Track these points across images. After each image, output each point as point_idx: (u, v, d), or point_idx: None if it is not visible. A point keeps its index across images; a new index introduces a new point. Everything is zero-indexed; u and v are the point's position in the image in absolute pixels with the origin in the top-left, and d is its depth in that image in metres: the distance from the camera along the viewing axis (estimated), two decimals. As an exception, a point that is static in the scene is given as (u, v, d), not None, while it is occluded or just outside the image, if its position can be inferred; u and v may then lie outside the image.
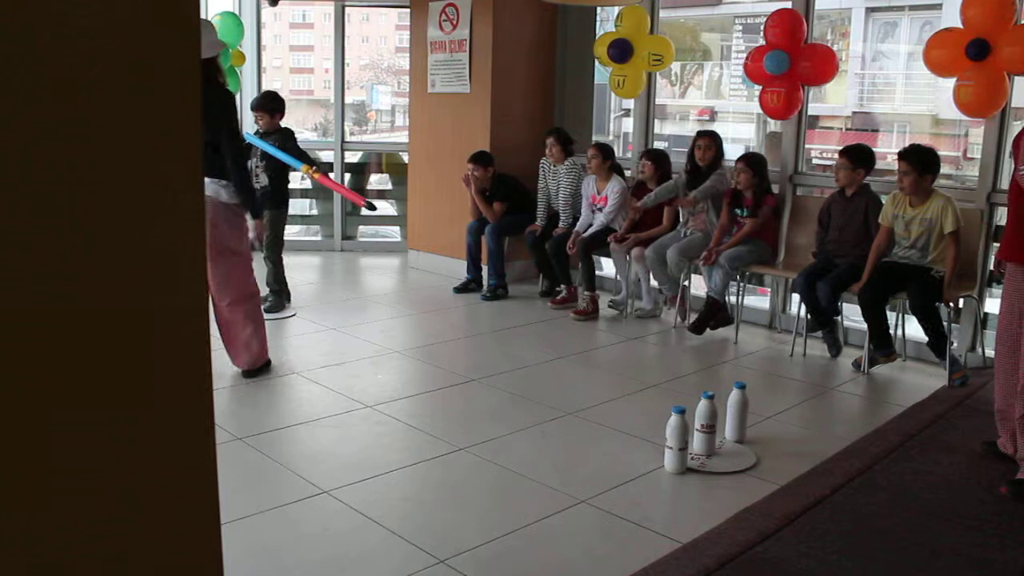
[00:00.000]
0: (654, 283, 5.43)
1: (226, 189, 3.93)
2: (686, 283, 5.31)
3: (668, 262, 5.20)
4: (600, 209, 5.60)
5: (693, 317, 5.16)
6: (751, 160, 5.02)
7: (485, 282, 6.01)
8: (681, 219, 5.41)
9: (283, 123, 5.43)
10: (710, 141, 5.22)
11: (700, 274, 5.27)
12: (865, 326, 4.43)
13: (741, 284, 5.11)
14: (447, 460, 3.28)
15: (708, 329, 5.05)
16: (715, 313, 5.03)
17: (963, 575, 2.50)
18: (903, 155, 4.30)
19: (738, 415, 3.50)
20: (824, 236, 4.76)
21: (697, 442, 3.27)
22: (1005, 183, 4.51)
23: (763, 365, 4.65)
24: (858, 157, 4.61)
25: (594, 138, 6.65)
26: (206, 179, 3.92)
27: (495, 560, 2.55)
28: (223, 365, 4.08)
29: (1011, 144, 3.22)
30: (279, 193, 5.38)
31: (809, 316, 4.68)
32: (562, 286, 5.77)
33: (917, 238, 4.31)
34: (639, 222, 5.51)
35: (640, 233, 5.44)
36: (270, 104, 5.35)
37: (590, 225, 5.64)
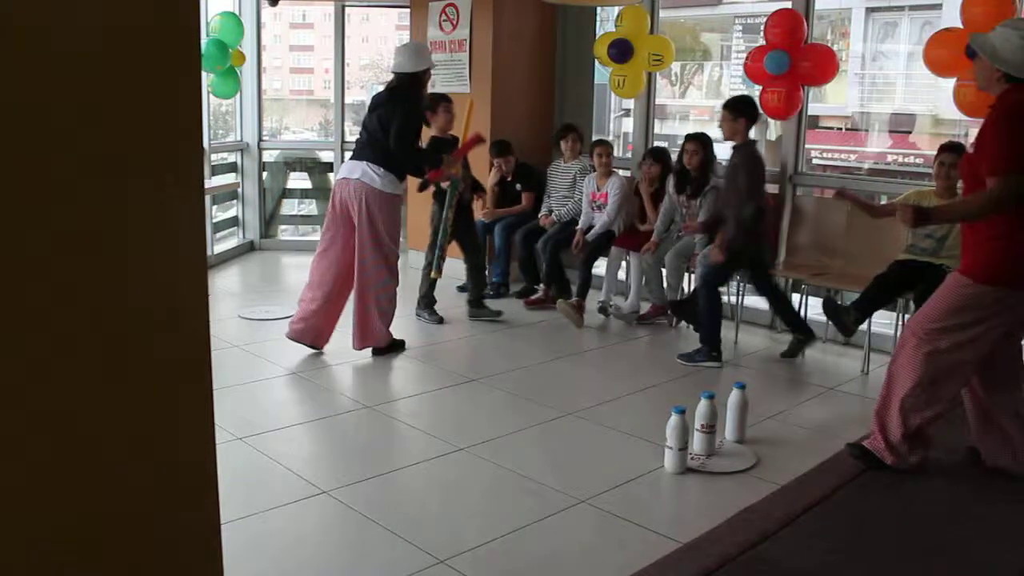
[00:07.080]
0: (643, 286, 5.42)
1: (379, 174, 4.29)
2: (683, 284, 5.31)
3: (666, 264, 5.20)
4: (600, 207, 5.57)
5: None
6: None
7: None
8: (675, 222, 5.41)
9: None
10: (697, 145, 5.12)
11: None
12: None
13: (741, 284, 5.11)
14: (447, 460, 3.28)
15: (679, 319, 5.16)
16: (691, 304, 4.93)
17: (963, 575, 2.50)
18: (947, 148, 4.25)
19: (738, 415, 3.51)
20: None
21: (697, 442, 3.27)
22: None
23: (763, 365, 4.65)
24: (739, 108, 4.56)
25: (593, 138, 6.63)
26: (362, 163, 4.35)
27: (495, 560, 2.55)
28: (224, 365, 4.07)
29: None
30: None
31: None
32: (539, 286, 5.74)
33: (936, 227, 4.12)
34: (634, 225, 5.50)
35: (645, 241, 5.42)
36: None
37: (591, 226, 5.60)
